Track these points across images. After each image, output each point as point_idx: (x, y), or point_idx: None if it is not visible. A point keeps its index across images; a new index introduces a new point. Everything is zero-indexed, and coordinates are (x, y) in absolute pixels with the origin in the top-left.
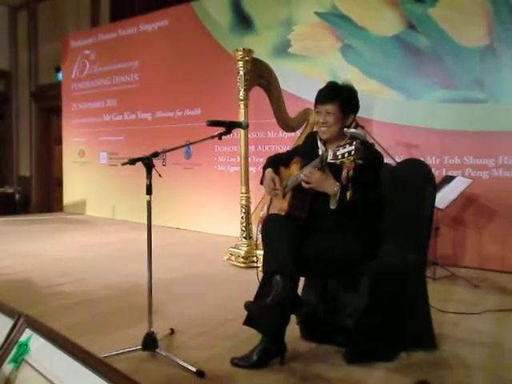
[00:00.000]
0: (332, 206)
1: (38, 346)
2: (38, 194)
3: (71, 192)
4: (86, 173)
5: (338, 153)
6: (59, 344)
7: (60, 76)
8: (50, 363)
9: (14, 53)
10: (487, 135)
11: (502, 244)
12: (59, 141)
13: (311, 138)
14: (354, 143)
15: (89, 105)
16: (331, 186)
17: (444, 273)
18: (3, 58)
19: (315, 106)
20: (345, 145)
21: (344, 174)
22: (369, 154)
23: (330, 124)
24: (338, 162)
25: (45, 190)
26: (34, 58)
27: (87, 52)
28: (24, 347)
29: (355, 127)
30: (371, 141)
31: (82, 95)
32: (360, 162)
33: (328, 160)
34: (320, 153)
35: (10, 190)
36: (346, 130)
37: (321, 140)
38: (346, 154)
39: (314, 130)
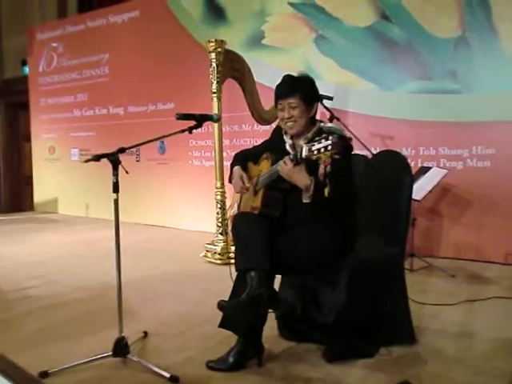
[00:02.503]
0: (305, 200)
1: None
2: (6, 193)
3: (42, 190)
4: (57, 170)
5: (314, 148)
6: None
7: (27, 70)
8: None
9: None
10: (461, 126)
11: (476, 233)
12: (28, 137)
13: (277, 133)
14: (331, 138)
15: (58, 100)
16: (304, 180)
17: (421, 264)
18: None
19: (276, 102)
20: (320, 139)
21: (321, 169)
22: (345, 149)
23: (296, 117)
24: (313, 157)
25: (14, 189)
26: None
27: (54, 44)
28: None
29: (331, 120)
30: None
31: (50, 90)
32: (337, 156)
33: (303, 155)
34: (287, 147)
35: None
36: (322, 125)
37: (286, 134)
38: (323, 149)
39: None
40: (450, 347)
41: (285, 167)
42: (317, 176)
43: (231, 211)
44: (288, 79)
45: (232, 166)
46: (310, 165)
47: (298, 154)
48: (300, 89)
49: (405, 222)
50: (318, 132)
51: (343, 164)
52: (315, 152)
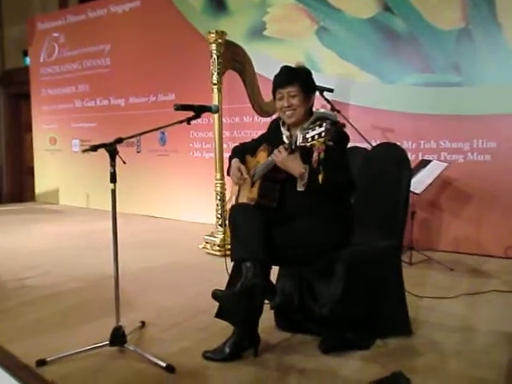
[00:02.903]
0: (299, 188)
1: None
2: (8, 184)
3: (43, 181)
4: (58, 161)
5: (308, 135)
6: None
7: (28, 60)
8: None
9: None
10: (462, 119)
11: (476, 227)
12: (29, 128)
13: (274, 125)
14: (324, 124)
15: (59, 90)
16: (298, 168)
17: (420, 257)
18: None
19: (275, 92)
20: (314, 127)
21: (315, 156)
22: (338, 135)
23: (296, 106)
24: (308, 144)
25: (16, 180)
26: (0, 41)
27: (56, 35)
28: None
29: (331, 111)
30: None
31: (51, 80)
32: (330, 143)
33: (298, 143)
34: (284, 138)
35: None
36: (315, 110)
37: (284, 125)
38: (316, 136)
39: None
40: (447, 340)
41: (279, 155)
42: (311, 164)
43: (230, 203)
44: (286, 70)
45: (230, 159)
46: (305, 153)
47: (293, 142)
48: (299, 78)
49: (403, 214)
50: (313, 121)
51: (337, 151)
52: (309, 139)
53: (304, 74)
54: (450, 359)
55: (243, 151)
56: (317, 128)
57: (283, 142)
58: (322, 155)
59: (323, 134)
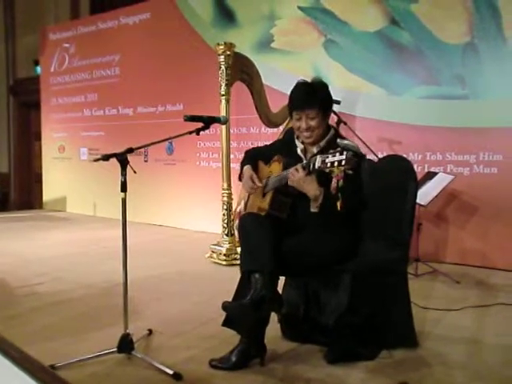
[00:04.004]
0: (313, 210)
1: None
2: (17, 191)
3: (51, 189)
4: (66, 169)
5: (327, 160)
6: (5, 352)
7: (39, 69)
8: None
9: None
10: (468, 131)
11: (482, 240)
12: (39, 136)
13: (289, 135)
14: (345, 153)
15: (69, 99)
16: (314, 190)
17: (426, 269)
18: None
19: (293, 112)
20: (335, 153)
21: (334, 183)
22: (358, 166)
23: (314, 128)
24: (326, 170)
25: (24, 187)
26: (12, 50)
27: (66, 45)
28: None
29: (338, 123)
30: (356, 140)
31: (61, 89)
32: (350, 172)
33: (316, 167)
34: (298, 151)
35: None
36: (339, 141)
37: (298, 138)
38: (336, 163)
39: None
40: (452, 352)
41: (296, 175)
42: (327, 188)
43: (238, 208)
44: (304, 88)
45: (242, 164)
46: (321, 175)
47: (311, 163)
48: (318, 99)
49: (408, 226)
50: (332, 140)
51: (356, 179)
52: (328, 164)
53: (323, 93)
54: (456, 371)
55: (255, 157)
56: (337, 155)
57: (297, 155)
58: (340, 183)
59: (343, 162)
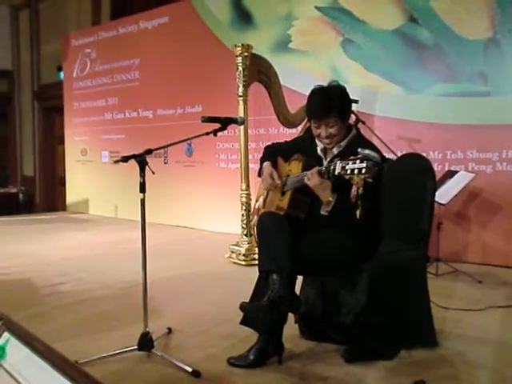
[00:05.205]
0: (322, 212)
1: (15, 351)
2: (41, 194)
3: (74, 191)
4: (88, 171)
5: (348, 167)
6: (37, 349)
7: (62, 75)
8: (26, 369)
9: (16, 52)
10: (491, 128)
11: (505, 239)
12: (62, 140)
13: (310, 133)
14: (366, 162)
15: (90, 103)
16: (326, 196)
17: (447, 269)
18: (5, 58)
19: (311, 120)
20: (355, 160)
21: (353, 191)
22: (379, 174)
23: (334, 135)
24: (346, 176)
25: (48, 190)
26: (36, 57)
27: (88, 50)
28: (1, 351)
29: (356, 123)
30: (375, 139)
31: (83, 94)
32: (370, 180)
33: (336, 173)
34: (318, 151)
35: (13, 190)
36: (360, 150)
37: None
38: (356, 171)
39: None
40: (472, 352)
41: (312, 180)
42: (345, 194)
43: (257, 204)
44: (321, 96)
45: (262, 160)
46: (339, 181)
47: (331, 168)
48: (336, 106)
49: (427, 225)
50: (354, 140)
51: (375, 187)
52: (348, 171)
53: (340, 99)
54: (478, 372)
55: (275, 153)
56: (357, 162)
57: (317, 154)
58: (360, 190)
59: (363, 170)
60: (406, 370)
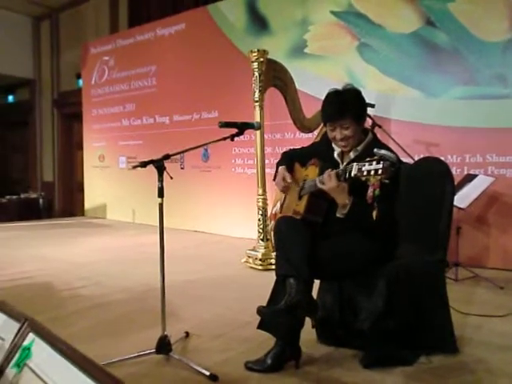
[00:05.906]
0: (338, 215)
1: (40, 351)
2: (61, 199)
3: (92, 196)
4: (106, 177)
5: (364, 168)
6: (60, 349)
7: (80, 82)
8: (51, 368)
9: (37, 61)
10: (511, 131)
11: None
12: (80, 146)
13: (327, 138)
14: (382, 162)
15: (108, 110)
16: (342, 199)
17: (467, 274)
18: (27, 67)
19: (326, 124)
20: (371, 161)
21: (370, 193)
22: (396, 175)
23: (349, 137)
24: (362, 178)
25: (67, 195)
26: (56, 65)
27: (106, 58)
28: (27, 351)
29: (372, 127)
30: (392, 143)
31: (101, 101)
32: (387, 181)
33: (352, 175)
34: (335, 155)
35: (34, 196)
36: (376, 150)
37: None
38: (373, 172)
39: None
40: (493, 359)
41: (328, 183)
42: (362, 196)
43: (274, 209)
44: (335, 99)
45: (278, 164)
46: (355, 183)
47: (347, 171)
48: (351, 108)
49: (446, 229)
50: (370, 144)
51: (392, 189)
52: (365, 173)
53: (354, 101)
54: (501, 379)
55: (292, 157)
56: (374, 163)
57: (334, 159)
58: (377, 192)
59: (380, 171)
60: (425, 377)
